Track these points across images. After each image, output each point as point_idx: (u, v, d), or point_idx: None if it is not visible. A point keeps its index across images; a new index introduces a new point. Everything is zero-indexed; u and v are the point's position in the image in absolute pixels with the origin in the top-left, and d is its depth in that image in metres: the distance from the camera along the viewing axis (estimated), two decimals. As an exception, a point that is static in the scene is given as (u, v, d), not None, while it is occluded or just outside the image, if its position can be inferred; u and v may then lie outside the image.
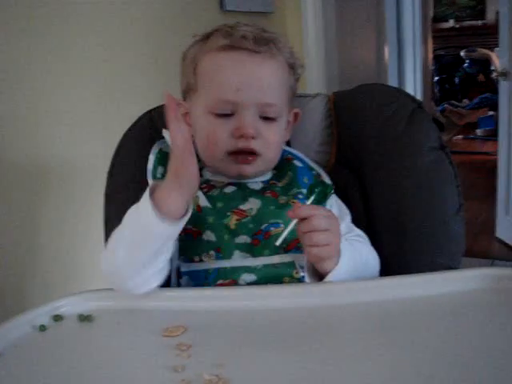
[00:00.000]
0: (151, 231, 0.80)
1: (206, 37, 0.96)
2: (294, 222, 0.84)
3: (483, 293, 0.80)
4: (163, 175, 0.98)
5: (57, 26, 1.50)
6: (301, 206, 0.85)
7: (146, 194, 0.81)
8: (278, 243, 0.84)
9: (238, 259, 0.92)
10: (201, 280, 0.92)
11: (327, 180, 1.04)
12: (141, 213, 0.81)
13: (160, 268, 0.85)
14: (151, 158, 1.01)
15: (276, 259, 0.92)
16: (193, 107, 0.97)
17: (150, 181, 0.98)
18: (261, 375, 0.64)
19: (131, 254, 0.83)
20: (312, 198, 0.87)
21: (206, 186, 0.98)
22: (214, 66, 0.93)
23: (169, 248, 0.85)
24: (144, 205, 0.80)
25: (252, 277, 0.91)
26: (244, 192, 0.97)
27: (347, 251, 0.88)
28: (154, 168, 1.00)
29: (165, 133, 1.01)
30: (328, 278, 0.86)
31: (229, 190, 0.97)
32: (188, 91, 0.98)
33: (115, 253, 0.85)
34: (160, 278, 0.86)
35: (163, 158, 1.01)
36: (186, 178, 0.80)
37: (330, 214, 0.87)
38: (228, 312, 0.80)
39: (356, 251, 0.92)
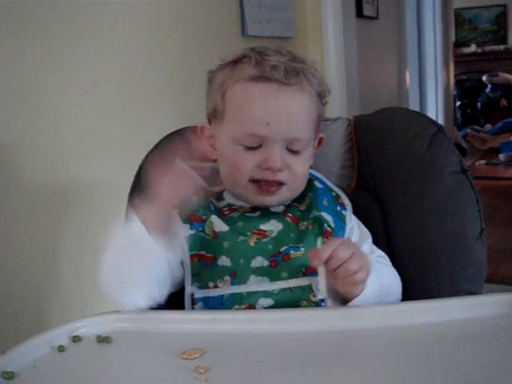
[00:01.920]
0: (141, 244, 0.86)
1: (235, 62, 0.95)
2: (322, 267, 0.83)
3: (505, 318, 0.78)
4: None
5: (78, 47, 1.52)
6: (316, 250, 0.84)
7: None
8: (323, 295, 0.84)
9: (254, 284, 0.91)
10: (216, 306, 0.91)
11: (346, 201, 1.04)
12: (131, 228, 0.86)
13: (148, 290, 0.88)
14: None
15: (293, 283, 0.91)
16: (219, 133, 0.97)
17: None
18: (279, 400, 0.63)
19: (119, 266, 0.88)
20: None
21: (227, 209, 0.98)
22: (243, 97, 0.92)
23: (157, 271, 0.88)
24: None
25: (269, 301, 0.90)
26: (266, 214, 0.97)
27: (372, 275, 0.87)
28: None
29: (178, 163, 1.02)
30: (353, 302, 0.86)
31: (250, 213, 0.97)
32: (214, 116, 0.97)
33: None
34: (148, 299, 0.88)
35: None
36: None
37: (344, 240, 0.88)
38: (246, 335, 0.80)
39: (380, 274, 0.91)
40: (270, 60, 0.91)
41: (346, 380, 0.66)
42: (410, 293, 0.96)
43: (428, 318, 0.79)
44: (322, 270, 0.83)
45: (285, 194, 0.96)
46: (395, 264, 1.00)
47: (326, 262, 0.82)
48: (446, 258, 1.01)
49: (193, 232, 0.94)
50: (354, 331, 0.79)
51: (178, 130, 1.18)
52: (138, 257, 0.86)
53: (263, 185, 0.93)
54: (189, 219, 0.95)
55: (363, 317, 0.82)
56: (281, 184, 0.94)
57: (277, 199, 0.96)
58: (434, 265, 1.01)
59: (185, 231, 0.94)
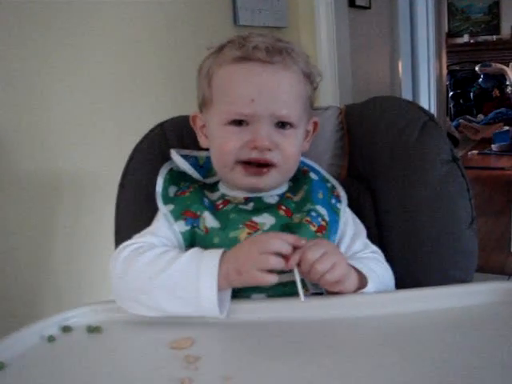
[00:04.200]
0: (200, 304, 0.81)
1: (220, 49, 0.95)
2: (296, 271, 0.80)
3: (496, 306, 0.79)
4: (176, 194, 0.98)
5: (70, 38, 1.52)
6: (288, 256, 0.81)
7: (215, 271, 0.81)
8: (302, 299, 0.79)
9: None
10: None
11: (342, 193, 1.03)
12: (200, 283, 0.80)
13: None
14: (159, 181, 0.99)
15: (285, 277, 0.87)
16: (209, 120, 0.97)
17: (160, 204, 0.97)
18: (269, 388, 0.63)
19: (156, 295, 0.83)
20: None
21: (221, 201, 0.97)
22: (227, 79, 0.93)
23: None
24: (208, 282, 0.80)
25: (261, 296, 0.89)
26: (259, 206, 0.96)
27: (370, 278, 0.87)
28: (164, 189, 0.99)
29: (173, 154, 1.01)
30: None
31: (244, 206, 0.96)
32: (204, 104, 0.98)
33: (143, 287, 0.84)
34: None
35: (175, 178, 1.01)
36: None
37: (317, 240, 0.86)
38: (237, 325, 0.80)
39: (374, 274, 0.90)
40: (253, 41, 0.91)
41: (337, 368, 0.66)
42: (400, 281, 0.96)
43: (418, 306, 0.80)
44: (296, 275, 0.80)
45: (275, 177, 0.94)
46: (385, 253, 1.00)
47: (298, 265, 0.81)
48: (436, 247, 1.01)
49: (188, 228, 0.93)
50: (343, 320, 0.79)
51: (166, 121, 1.18)
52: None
53: (251, 165, 0.92)
54: (183, 215, 0.94)
55: (353, 306, 0.82)
56: (271, 166, 0.92)
57: (267, 182, 0.94)
58: (424, 253, 1.01)
59: (180, 227, 0.93)
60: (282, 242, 0.80)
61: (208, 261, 0.82)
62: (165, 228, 0.94)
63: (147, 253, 0.87)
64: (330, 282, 0.82)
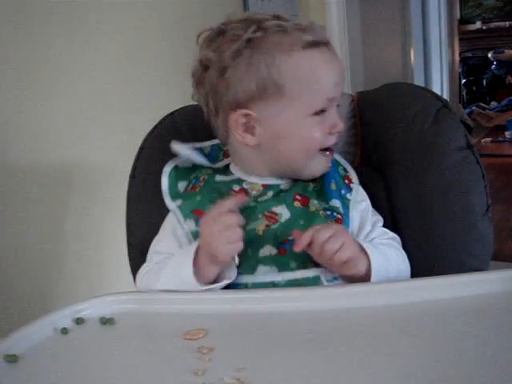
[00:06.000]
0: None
1: (261, 37, 0.87)
2: None
3: (510, 295, 0.77)
4: (186, 189, 0.97)
5: (76, 29, 1.51)
6: (300, 234, 0.85)
7: (190, 257, 0.85)
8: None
9: (261, 274, 0.89)
10: None
11: (354, 177, 1.01)
12: (182, 277, 0.86)
13: None
14: (164, 180, 0.98)
15: (300, 274, 0.89)
16: (276, 113, 0.89)
17: (168, 201, 0.97)
18: (282, 379, 0.63)
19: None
20: None
21: (238, 189, 0.95)
22: (310, 65, 0.88)
23: None
24: (186, 271, 0.85)
25: (290, 275, 0.88)
26: (277, 193, 0.95)
27: (377, 258, 0.88)
28: (172, 186, 0.98)
29: (175, 145, 0.98)
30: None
31: (263, 196, 0.94)
32: (262, 97, 0.88)
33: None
34: None
35: (182, 173, 0.99)
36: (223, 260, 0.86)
37: (324, 225, 0.87)
38: (250, 315, 0.79)
39: (386, 258, 0.90)
40: (311, 24, 0.91)
41: (351, 358, 0.66)
42: (414, 269, 0.95)
43: (433, 295, 0.78)
44: None
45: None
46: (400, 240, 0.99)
47: (308, 248, 0.84)
48: (451, 234, 0.99)
49: (198, 228, 0.91)
50: (357, 309, 0.78)
51: (176, 110, 1.17)
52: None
53: (330, 150, 0.94)
54: (193, 214, 0.93)
55: (368, 295, 0.81)
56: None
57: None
58: (439, 241, 1.00)
59: (190, 226, 0.93)
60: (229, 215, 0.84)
61: (184, 261, 0.86)
62: (168, 239, 0.96)
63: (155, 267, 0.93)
64: (340, 262, 0.84)
